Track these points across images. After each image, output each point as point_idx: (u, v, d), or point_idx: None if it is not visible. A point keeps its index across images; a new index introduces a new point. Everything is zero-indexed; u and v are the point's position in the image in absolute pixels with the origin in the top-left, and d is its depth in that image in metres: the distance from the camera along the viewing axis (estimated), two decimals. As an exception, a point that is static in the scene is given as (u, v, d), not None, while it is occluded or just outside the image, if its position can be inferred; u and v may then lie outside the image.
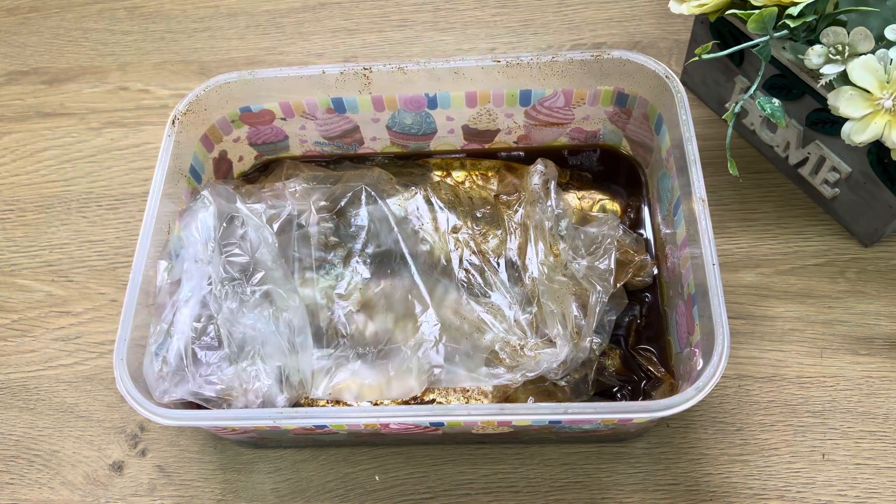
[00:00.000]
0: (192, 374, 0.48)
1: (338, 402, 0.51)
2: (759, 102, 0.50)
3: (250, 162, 0.63)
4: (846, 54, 0.47)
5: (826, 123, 0.54)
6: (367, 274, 0.54)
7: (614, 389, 0.51)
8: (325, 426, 0.45)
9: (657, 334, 0.54)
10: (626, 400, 0.51)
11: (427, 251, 0.54)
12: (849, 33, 0.47)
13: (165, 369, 0.48)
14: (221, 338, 0.50)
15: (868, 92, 0.46)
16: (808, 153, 0.57)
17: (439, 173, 0.61)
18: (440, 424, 0.46)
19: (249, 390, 0.49)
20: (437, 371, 0.51)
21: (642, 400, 0.50)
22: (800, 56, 0.51)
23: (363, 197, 0.56)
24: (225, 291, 0.51)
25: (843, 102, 0.47)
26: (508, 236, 0.55)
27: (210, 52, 0.75)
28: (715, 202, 0.61)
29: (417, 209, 0.56)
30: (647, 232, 0.58)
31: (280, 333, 0.50)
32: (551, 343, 0.49)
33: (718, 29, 0.57)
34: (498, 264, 0.54)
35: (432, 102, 0.57)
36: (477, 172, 0.61)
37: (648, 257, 0.55)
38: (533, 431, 0.50)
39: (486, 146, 0.62)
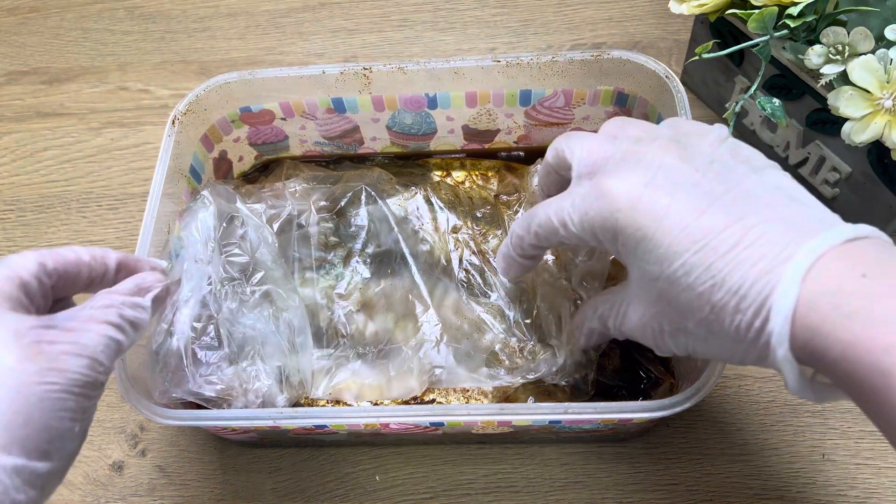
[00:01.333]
0: (192, 374, 0.48)
1: (338, 402, 0.51)
2: (759, 102, 0.50)
3: (250, 162, 0.63)
4: (846, 54, 0.47)
5: (826, 123, 0.54)
6: (367, 274, 0.54)
7: (614, 389, 0.51)
8: (325, 426, 0.45)
9: (657, 334, 0.54)
10: (626, 400, 0.51)
11: (427, 251, 0.54)
12: (849, 33, 0.47)
13: (165, 369, 0.48)
14: (221, 338, 0.50)
15: (868, 92, 0.46)
16: (808, 153, 0.57)
17: (439, 173, 0.61)
18: (440, 424, 0.46)
19: (249, 390, 0.48)
20: (437, 371, 0.51)
21: (642, 400, 0.50)
22: (800, 56, 0.51)
23: (363, 197, 0.56)
24: (225, 291, 0.50)
25: (843, 102, 0.47)
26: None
27: (210, 52, 0.75)
28: (715, 202, 0.61)
29: (417, 209, 0.56)
30: (647, 232, 0.58)
31: (280, 333, 0.50)
32: (550, 345, 0.49)
33: (718, 29, 0.57)
34: (498, 264, 0.54)
35: (432, 102, 0.57)
36: (477, 172, 0.61)
37: (648, 257, 0.55)
38: (533, 431, 0.50)
39: (486, 146, 0.62)
